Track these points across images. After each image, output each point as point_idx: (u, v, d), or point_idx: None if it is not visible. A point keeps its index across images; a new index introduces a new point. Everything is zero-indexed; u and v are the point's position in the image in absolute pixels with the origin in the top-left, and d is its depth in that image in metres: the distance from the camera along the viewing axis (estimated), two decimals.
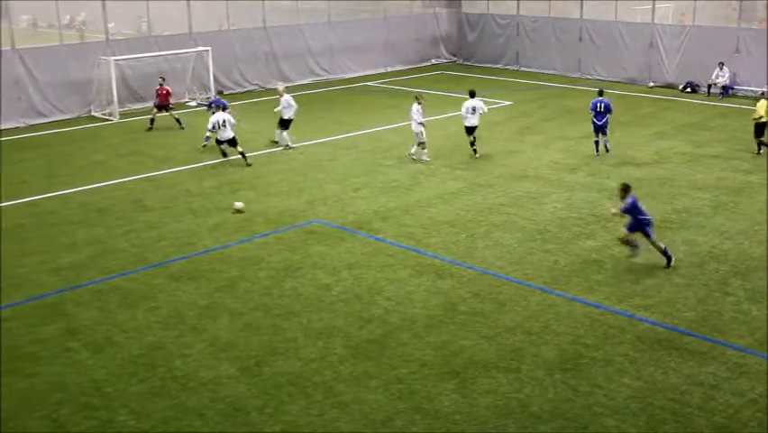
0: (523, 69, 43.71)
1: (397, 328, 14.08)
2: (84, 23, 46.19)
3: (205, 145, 27.19)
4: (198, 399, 11.95)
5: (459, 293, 15.49)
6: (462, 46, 47.22)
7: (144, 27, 38.72)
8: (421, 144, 25.09)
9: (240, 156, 25.18)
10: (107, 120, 32.73)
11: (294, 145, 27.34)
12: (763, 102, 25.37)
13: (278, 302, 15.26)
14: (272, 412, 11.56)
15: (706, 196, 21.30)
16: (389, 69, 44.42)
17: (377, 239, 18.49)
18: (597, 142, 25.84)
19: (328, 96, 37.76)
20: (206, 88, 35.71)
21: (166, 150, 27.46)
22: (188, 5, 36.66)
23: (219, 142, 25.37)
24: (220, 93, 31.23)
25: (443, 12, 47.60)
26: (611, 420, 11.20)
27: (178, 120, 30.74)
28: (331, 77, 42.06)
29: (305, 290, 15.81)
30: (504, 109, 33.63)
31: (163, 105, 30.85)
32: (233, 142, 25.16)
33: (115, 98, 32.70)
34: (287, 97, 27.28)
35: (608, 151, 25.81)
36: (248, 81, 38.95)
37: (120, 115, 32.78)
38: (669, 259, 16.68)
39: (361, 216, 20.10)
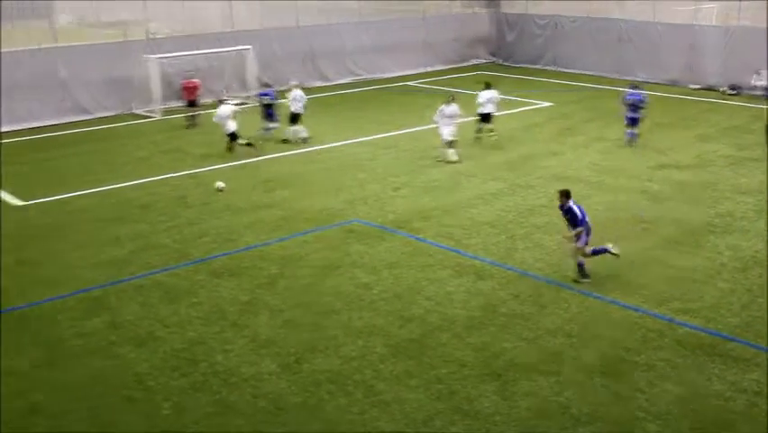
0: (561, 69, 43.46)
1: (437, 328, 14.08)
2: (126, 21, 46.66)
3: (266, 133, 28.17)
4: (240, 394, 12.05)
5: (499, 295, 15.46)
6: (501, 46, 47.08)
7: (185, 26, 39.06)
8: (449, 144, 25.03)
9: (247, 146, 26.36)
10: (149, 117, 33.10)
11: (306, 135, 27.93)
12: None
13: (319, 300, 15.33)
14: (312, 409, 11.62)
15: (749, 200, 21.03)
16: (429, 69, 44.41)
17: (417, 239, 18.50)
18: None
19: (367, 96, 37.84)
20: (246, 86, 35.91)
21: (206, 147, 27.68)
22: (230, 5, 36.93)
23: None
24: (266, 85, 31.41)
25: (482, 12, 47.51)
26: (653, 426, 11.12)
27: (193, 117, 30.99)
28: (370, 76, 42.14)
29: (345, 288, 15.86)
30: (543, 110, 33.50)
31: (191, 101, 31.17)
32: (234, 137, 26.22)
33: (157, 96, 33.04)
34: (296, 92, 27.97)
35: (633, 142, 26.48)
36: (286, 80, 39.11)
37: (161, 112, 33.11)
38: (583, 275, 15.96)
39: (401, 216, 20.12)
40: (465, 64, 46.24)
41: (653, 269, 16.60)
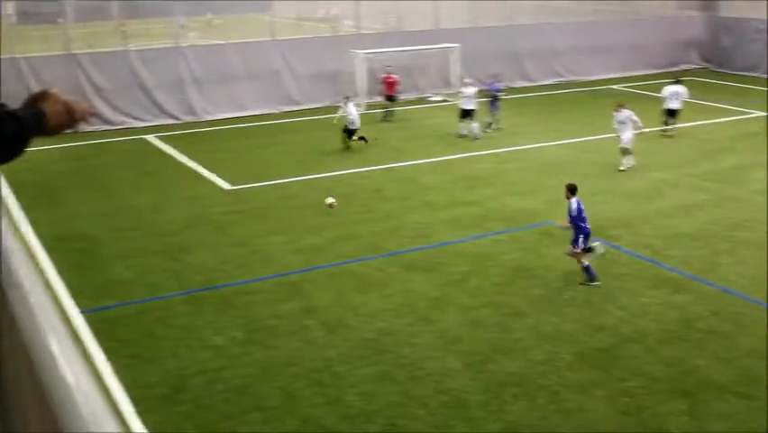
0: None
1: (628, 340, 13.70)
2: (336, 16, 48.22)
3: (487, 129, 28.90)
4: (424, 388, 12.20)
5: (696, 310, 14.83)
6: (716, 52, 44.83)
7: (393, 22, 39.89)
8: (622, 151, 24.19)
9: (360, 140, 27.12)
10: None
11: (480, 133, 28.34)
12: None
13: (508, 301, 15.27)
14: (494, 410, 11.61)
15: None
16: (636, 73, 43.04)
17: (613, 246, 18.04)
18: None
19: (570, 98, 37.25)
20: (449, 84, 36.21)
21: (407, 142, 28.17)
22: (436, 3, 37.36)
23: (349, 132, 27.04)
24: (495, 76, 31.54)
25: (696, 15, 45.55)
26: None
27: (390, 112, 31.55)
28: (574, 78, 41.41)
29: (536, 291, 15.71)
30: (759, 120, 31.68)
31: (389, 96, 31.79)
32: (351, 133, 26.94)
33: (363, 90, 33.91)
34: (471, 89, 28.75)
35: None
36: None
37: (366, 106, 33.97)
38: (589, 279, 15.75)
39: (599, 222, 19.61)
40: (674, 69, 44.42)
41: None
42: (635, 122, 24.16)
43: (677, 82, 28.43)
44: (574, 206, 15.98)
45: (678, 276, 16.40)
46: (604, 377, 12.49)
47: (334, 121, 27.95)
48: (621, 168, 24.05)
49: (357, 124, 26.74)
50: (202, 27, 43.35)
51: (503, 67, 38.93)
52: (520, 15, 40.59)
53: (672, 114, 28.03)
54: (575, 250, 16.01)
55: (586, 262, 15.98)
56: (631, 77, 42.34)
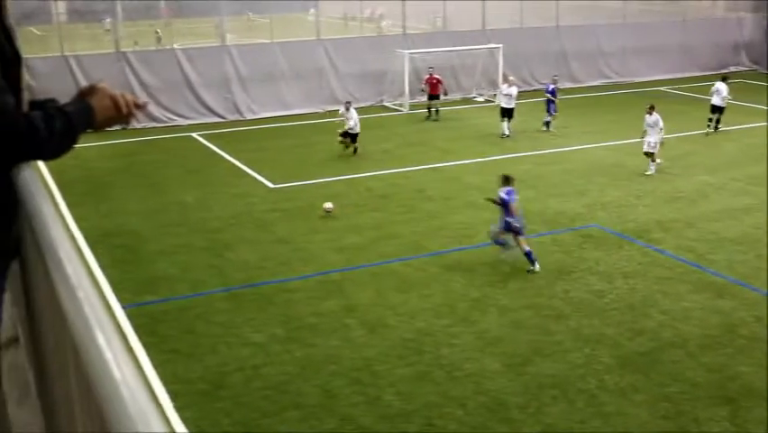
0: None
1: (669, 344, 13.60)
2: (382, 16, 48.30)
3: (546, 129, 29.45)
4: (462, 389, 12.22)
5: (740, 315, 14.66)
6: (766, 54, 44.17)
7: (439, 23, 39.86)
8: (649, 155, 23.92)
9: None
10: (398, 110, 34.08)
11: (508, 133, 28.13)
12: None
13: (549, 303, 15.22)
14: (533, 412, 11.60)
15: None
16: (684, 75, 42.52)
17: (656, 250, 17.90)
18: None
19: (617, 100, 36.94)
20: (494, 85, 36.12)
21: (451, 142, 28.17)
22: (483, 3, 37.27)
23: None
24: (552, 78, 31.46)
25: (747, 16, 44.90)
26: None
27: (436, 111, 31.55)
28: (621, 79, 41.05)
29: (577, 293, 15.64)
30: None
31: (433, 96, 31.79)
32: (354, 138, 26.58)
33: (407, 90, 33.95)
34: (513, 89, 28.85)
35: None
36: (536, 80, 38.92)
37: (409, 106, 33.99)
38: (531, 262, 16.52)
39: (642, 225, 19.53)
40: (723, 71, 43.76)
41: None
42: (660, 128, 23.86)
43: (723, 80, 29.10)
44: (504, 195, 16.63)
45: (721, 281, 16.22)
46: (644, 381, 12.40)
47: (345, 127, 27.33)
48: (648, 172, 23.82)
49: (357, 129, 26.57)
50: (246, 26, 43.68)
51: (549, 68, 38.72)
52: (567, 16, 40.32)
53: (713, 110, 28.81)
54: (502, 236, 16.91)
55: (527, 248, 16.52)
56: (679, 78, 41.84)
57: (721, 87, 28.66)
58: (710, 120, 29.01)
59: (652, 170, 23.78)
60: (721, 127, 28.73)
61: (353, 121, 26.58)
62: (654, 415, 11.50)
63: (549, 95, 29.72)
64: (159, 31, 38.65)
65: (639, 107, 34.33)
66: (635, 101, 36.11)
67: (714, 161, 24.64)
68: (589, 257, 17.51)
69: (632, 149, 27.14)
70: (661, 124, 23.84)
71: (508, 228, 16.65)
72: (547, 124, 29.58)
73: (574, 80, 39.89)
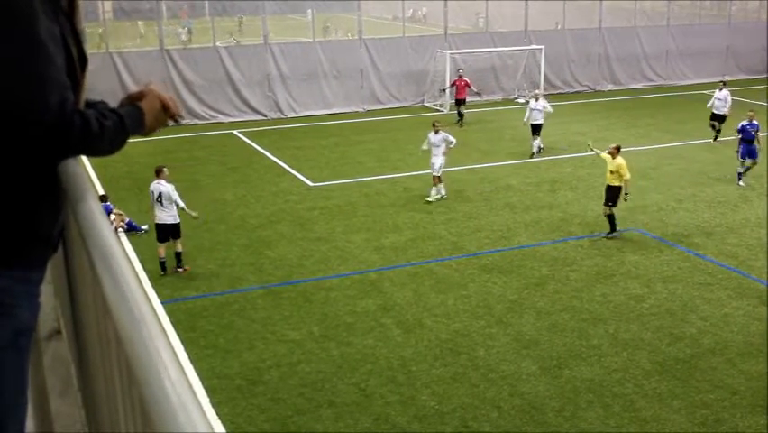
0: None
1: (708, 351, 13.45)
2: (425, 16, 48.29)
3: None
4: (497, 391, 12.20)
5: None
6: None
7: (481, 23, 39.76)
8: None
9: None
10: (438, 111, 34.04)
11: (536, 150, 26.55)
12: None
13: (587, 306, 15.14)
14: (569, 416, 11.54)
15: None
16: (729, 78, 41.90)
17: (696, 255, 17.71)
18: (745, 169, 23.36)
19: (659, 102, 36.57)
20: (536, 86, 35.96)
21: (491, 143, 28.10)
22: (526, 4, 37.11)
23: None
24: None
25: None
26: None
27: (461, 116, 31.30)
28: (664, 82, 40.66)
29: (615, 297, 15.54)
30: None
31: (460, 100, 31.60)
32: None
33: (448, 91, 33.91)
34: (542, 102, 26.55)
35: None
36: (578, 82, 38.72)
37: (450, 106, 33.93)
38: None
39: (683, 230, 19.34)
40: None
41: None
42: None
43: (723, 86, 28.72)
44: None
45: (763, 287, 16.01)
46: (682, 388, 12.29)
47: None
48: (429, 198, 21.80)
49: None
50: (299, 25, 43.88)
51: (591, 70, 38.54)
52: (609, 17, 40.00)
53: (713, 118, 28.20)
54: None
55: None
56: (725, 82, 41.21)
57: (721, 94, 28.32)
58: (713, 127, 28.32)
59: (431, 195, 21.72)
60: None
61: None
62: (692, 422, 11.39)
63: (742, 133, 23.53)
64: (185, 29, 39.11)
65: (682, 110, 34.21)
66: (679, 104, 35.86)
67: (757, 166, 24.24)
68: (629, 261, 17.38)
69: (673, 152, 26.96)
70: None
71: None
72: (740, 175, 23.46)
73: (615, 83, 39.61)
